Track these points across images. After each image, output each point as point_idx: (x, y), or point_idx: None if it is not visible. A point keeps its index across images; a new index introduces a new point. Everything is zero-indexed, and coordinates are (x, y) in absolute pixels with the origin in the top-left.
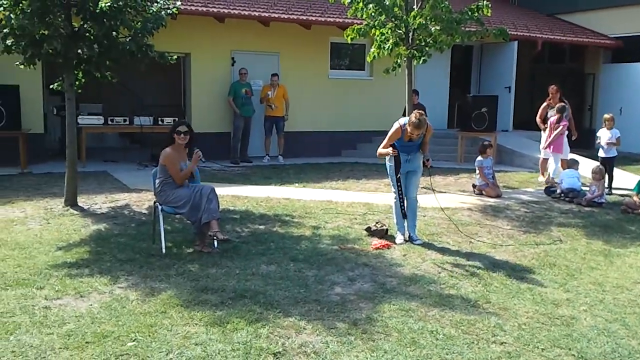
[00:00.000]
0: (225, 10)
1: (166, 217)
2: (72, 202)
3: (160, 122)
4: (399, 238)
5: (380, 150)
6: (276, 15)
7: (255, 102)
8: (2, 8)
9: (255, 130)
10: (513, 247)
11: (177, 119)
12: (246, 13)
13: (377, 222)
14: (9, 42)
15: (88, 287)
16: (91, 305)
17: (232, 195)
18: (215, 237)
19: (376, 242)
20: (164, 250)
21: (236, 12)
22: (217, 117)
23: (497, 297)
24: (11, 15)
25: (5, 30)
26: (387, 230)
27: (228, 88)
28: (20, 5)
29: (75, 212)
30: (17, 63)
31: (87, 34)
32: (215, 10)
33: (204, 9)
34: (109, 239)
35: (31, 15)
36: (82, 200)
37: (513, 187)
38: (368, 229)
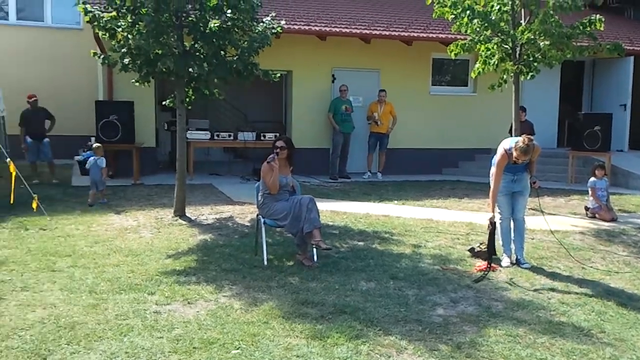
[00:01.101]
0: (327, 29)
1: (268, 230)
2: (180, 213)
3: (262, 138)
4: (505, 261)
5: (490, 199)
6: (377, 32)
7: (355, 119)
8: (120, 29)
9: (354, 146)
10: (630, 274)
11: (278, 134)
12: (347, 30)
13: (481, 243)
14: (126, 60)
15: (195, 294)
16: (198, 312)
17: (330, 210)
18: (317, 246)
19: (480, 263)
20: (265, 262)
21: (337, 29)
22: (316, 133)
23: (612, 327)
24: (129, 35)
25: (123, 50)
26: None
27: (328, 104)
28: (137, 26)
29: (184, 222)
30: (133, 80)
31: (198, 53)
32: (317, 28)
33: (307, 27)
34: (214, 249)
35: (147, 35)
36: (189, 211)
37: (629, 210)
38: (471, 250)
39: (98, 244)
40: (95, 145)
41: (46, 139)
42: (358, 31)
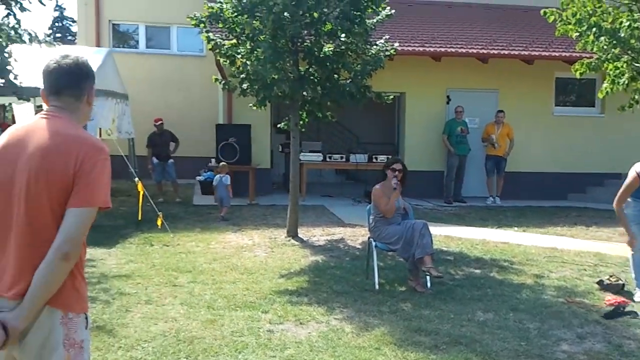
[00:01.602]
0: (442, 49)
1: (379, 253)
2: (293, 233)
3: (374, 160)
4: (638, 295)
5: (622, 223)
6: (496, 52)
7: (471, 141)
8: (240, 55)
9: (470, 169)
10: None
11: (390, 156)
12: (464, 51)
13: (610, 276)
14: (244, 86)
15: (307, 315)
16: (310, 333)
17: (445, 235)
18: (428, 273)
19: (610, 297)
20: (377, 286)
21: (453, 50)
22: (430, 155)
23: None
24: (247, 62)
25: (242, 76)
26: (623, 285)
27: (442, 126)
28: (255, 52)
29: (296, 242)
30: (251, 104)
31: (312, 77)
32: (431, 49)
33: (421, 48)
34: (325, 271)
35: (264, 61)
36: (302, 232)
37: None
38: (600, 282)
39: (216, 261)
40: (221, 164)
41: (171, 160)
42: (475, 51)
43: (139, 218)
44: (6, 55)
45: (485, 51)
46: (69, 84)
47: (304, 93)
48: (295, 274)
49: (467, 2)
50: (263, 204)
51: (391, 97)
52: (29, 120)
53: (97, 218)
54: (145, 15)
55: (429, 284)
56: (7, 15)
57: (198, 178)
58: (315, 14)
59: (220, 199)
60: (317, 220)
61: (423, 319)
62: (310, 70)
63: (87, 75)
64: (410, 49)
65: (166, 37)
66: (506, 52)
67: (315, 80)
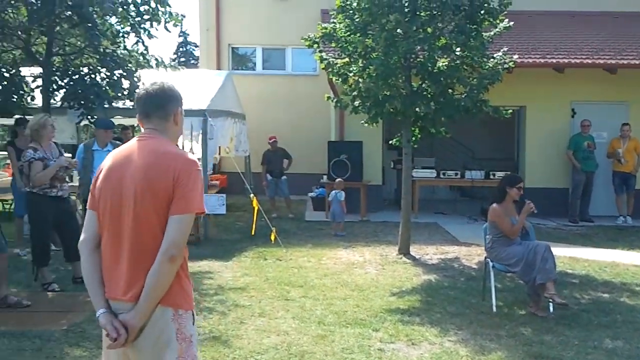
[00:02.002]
0: (566, 60)
1: (497, 274)
2: (405, 251)
3: (491, 177)
4: None
5: None
6: (625, 62)
7: (598, 156)
8: (352, 73)
9: (598, 186)
10: None
11: (508, 172)
12: (590, 62)
13: None
14: (356, 103)
15: (419, 335)
16: (422, 354)
17: (569, 257)
18: (551, 300)
19: None
20: (494, 309)
21: (578, 61)
22: (553, 171)
23: None
24: (359, 79)
25: (354, 93)
26: None
27: (566, 141)
28: (367, 70)
29: (408, 260)
30: (362, 121)
31: (425, 93)
32: (554, 61)
33: (542, 60)
34: (438, 290)
35: (376, 78)
36: (414, 250)
37: None
38: None
39: (327, 277)
40: (337, 180)
41: (284, 177)
42: (602, 62)
43: (252, 233)
44: (136, 79)
45: (613, 61)
46: (156, 108)
47: (417, 109)
48: (407, 293)
49: (592, 10)
50: (374, 220)
51: (510, 111)
52: (129, 143)
53: (216, 232)
54: (262, 38)
55: (551, 309)
56: (137, 43)
57: (310, 194)
58: (429, 29)
59: (333, 214)
60: (430, 238)
61: (544, 345)
62: (424, 85)
63: (172, 98)
64: (530, 60)
65: (281, 58)
66: (637, 62)
67: (429, 95)
